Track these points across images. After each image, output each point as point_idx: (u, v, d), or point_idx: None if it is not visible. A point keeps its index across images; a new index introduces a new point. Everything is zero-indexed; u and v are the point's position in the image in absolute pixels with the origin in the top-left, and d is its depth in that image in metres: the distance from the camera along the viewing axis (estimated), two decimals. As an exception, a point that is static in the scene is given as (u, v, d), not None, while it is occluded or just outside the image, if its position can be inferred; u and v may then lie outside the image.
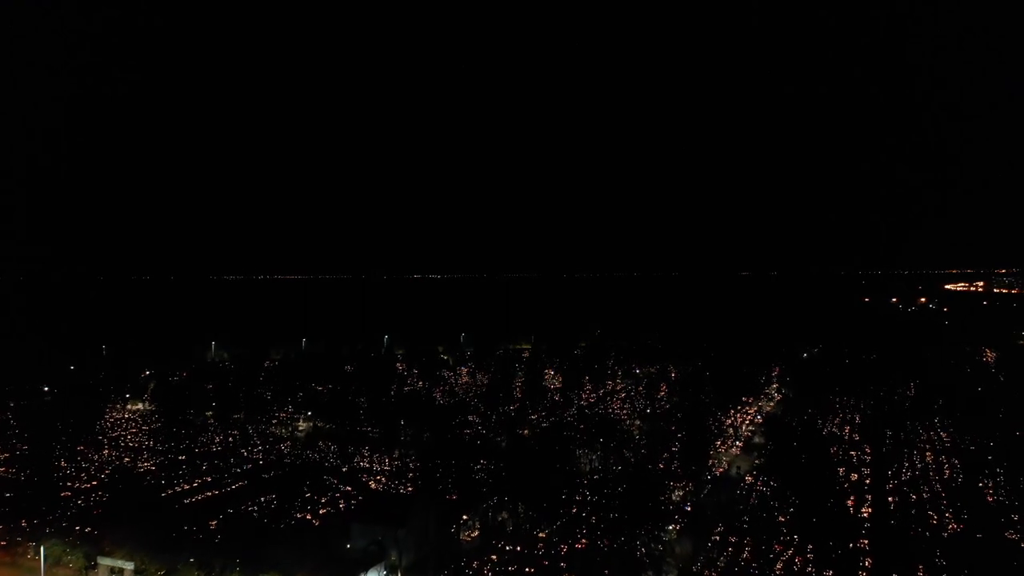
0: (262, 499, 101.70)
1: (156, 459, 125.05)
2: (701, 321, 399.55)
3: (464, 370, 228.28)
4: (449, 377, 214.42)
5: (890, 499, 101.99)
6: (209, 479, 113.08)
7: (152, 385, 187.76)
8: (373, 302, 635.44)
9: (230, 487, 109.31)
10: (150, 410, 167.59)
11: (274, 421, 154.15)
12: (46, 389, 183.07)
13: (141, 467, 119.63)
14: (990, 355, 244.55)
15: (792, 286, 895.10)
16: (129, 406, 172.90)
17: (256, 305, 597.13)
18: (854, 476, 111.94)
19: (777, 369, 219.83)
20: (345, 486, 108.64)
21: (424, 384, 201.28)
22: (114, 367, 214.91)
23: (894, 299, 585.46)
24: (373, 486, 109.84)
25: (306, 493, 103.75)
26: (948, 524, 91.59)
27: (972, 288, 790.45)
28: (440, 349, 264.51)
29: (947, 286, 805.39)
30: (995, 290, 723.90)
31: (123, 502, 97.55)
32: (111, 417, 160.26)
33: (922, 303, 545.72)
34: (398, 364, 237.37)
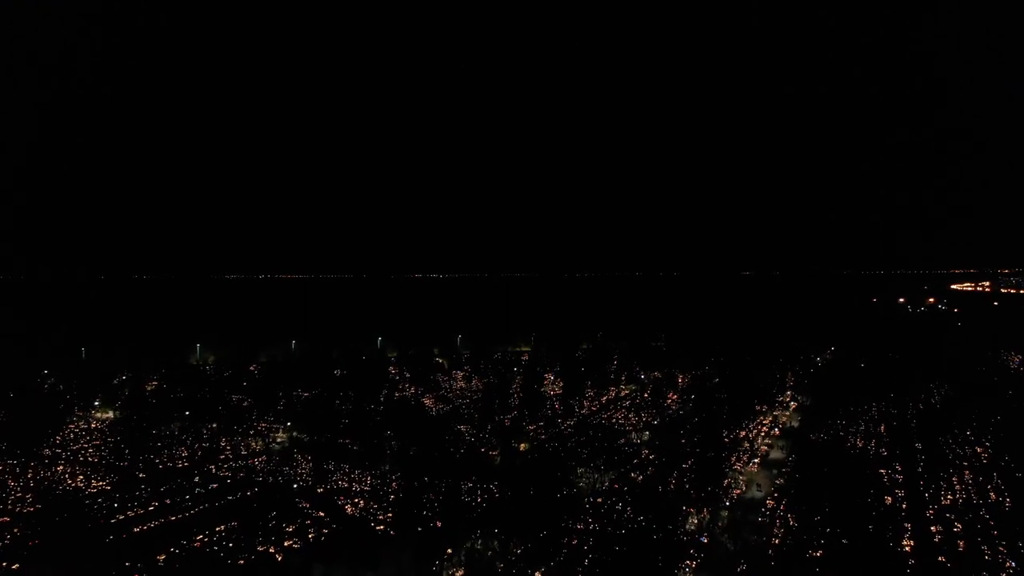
0: (221, 528, 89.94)
1: (112, 477, 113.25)
2: (706, 322, 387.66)
3: (459, 374, 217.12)
4: (443, 382, 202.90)
5: (933, 529, 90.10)
6: (168, 502, 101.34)
7: (125, 391, 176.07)
8: (371, 302, 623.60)
9: (189, 512, 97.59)
10: (119, 419, 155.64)
11: (251, 432, 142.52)
12: (11, 396, 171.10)
13: (94, 487, 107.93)
14: (1014, 358, 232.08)
15: (794, 286, 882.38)
16: (99, 414, 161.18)
17: (252, 305, 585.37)
18: (888, 500, 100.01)
19: (790, 374, 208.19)
20: (317, 511, 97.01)
21: (416, 390, 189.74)
22: (90, 371, 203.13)
23: (901, 299, 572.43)
24: (349, 511, 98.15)
25: (271, 522, 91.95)
26: (1005, 562, 79.69)
27: (978, 288, 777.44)
28: (436, 351, 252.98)
29: (953, 286, 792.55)
30: (1002, 290, 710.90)
31: (62, 532, 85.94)
32: (75, 427, 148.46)
33: (931, 303, 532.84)
34: (390, 368, 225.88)
